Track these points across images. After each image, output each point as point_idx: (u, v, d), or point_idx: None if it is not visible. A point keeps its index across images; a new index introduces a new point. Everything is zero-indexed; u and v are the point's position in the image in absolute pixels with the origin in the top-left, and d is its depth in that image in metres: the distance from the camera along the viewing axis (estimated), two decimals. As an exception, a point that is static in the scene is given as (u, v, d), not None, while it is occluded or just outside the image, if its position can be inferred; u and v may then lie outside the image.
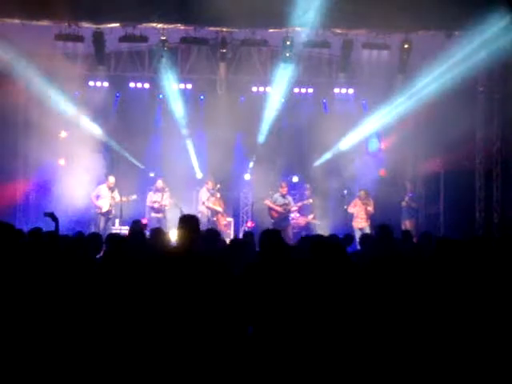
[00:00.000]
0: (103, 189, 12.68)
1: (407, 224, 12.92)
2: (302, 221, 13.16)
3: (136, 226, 7.11)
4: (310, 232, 12.44)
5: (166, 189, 12.86)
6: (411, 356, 3.60)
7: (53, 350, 3.82)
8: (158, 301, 3.97)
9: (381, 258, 4.33)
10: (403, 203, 13.24)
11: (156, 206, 12.77)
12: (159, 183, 12.83)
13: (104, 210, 12.56)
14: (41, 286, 3.95)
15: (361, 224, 12.73)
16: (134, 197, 12.77)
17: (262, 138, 13.95)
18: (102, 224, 12.54)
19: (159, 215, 12.81)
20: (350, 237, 7.93)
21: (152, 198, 12.89)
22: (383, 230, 5.70)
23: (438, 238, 4.89)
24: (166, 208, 12.81)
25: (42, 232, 6.29)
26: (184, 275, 4.03)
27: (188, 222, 4.31)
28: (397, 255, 4.87)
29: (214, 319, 3.96)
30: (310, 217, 13.22)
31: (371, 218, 12.71)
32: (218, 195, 13.02)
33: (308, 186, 13.30)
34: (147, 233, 10.84)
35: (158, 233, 6.00)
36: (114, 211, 12.69)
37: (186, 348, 3.87)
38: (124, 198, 12.61)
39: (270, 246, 4.53)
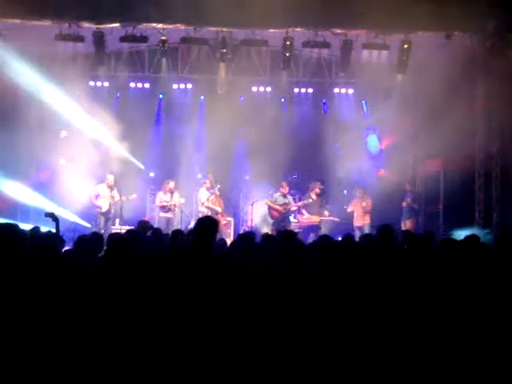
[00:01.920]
0: (102, 188, 12.68)
1: (407, 224, 12.94)
2: (315, 219, 12.93)
3: (143, 226, 7.12)
4: (316, 231, 12.40)
5: (175, 189, 12.91)
6: (414, 358, 3.61)
7: (52, 350, 3.83)
8: (160, 301, 3.98)
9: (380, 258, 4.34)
10: (404, 203, 13.26)
11: (165, 204, 12.79)
12: (171, 184, 12.82)
13: (104, 209, 12.56)
14: (42, 287, 3.96)
15: (358, 222, 12.82)
16: (134, 196, 12.79)
17: (261, 138, 13.94)
18: (101, 224, 12.54)
19: (169, 215, 12.84)
20: (350, 236, 7.93)
21: (162, 198, 12.90)
22: (384, 230, 5.69)
23: (442, 239, 4.89)
24: (176, 208, 12.84)
25: (41, 232, 6.31)
26: (192, 276, 4.03)
27: (205, 225, 4.32)
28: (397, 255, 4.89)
29: (214, 320, 3.96)
30: (326, 213, 12.91)
31: (371, 217, 12.74)
32: (218, 192, 13.02)
33: (318, 183, 12.97)
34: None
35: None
36: (113, 211, 12.70)
37: (187, 349, 3.87)
38: (124, 198, 12.63)
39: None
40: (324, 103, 14.73)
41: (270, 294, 4.13)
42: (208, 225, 4.33)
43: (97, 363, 3.82)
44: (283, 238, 4.87)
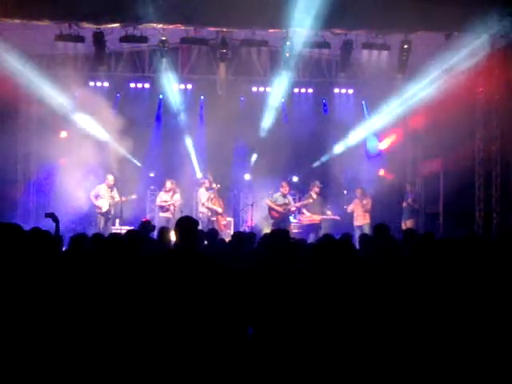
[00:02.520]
0: (102, 188, 12.69)
1: (408, 224, 12.94)
2: (316, 218, 12.86)
3: (145, 227, 7.13)
4: (317, 231, 12.40)
5: (177, 190, 12.92)
6: (412, 358, 3.61)
7: (50, 349, 3.83)
8: (157, 301, 3.99)
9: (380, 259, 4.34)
10: (404, 204, 13.25)
11: (163, 204, 12.83)
12: (168, 184, 12.86)
13: (103, 209, 12.57)
14: (42, 287, 3.96)
15: (359, 222, 12.83)
16: (134, 196, 12.79)
17: (261, 138, 13.96)
18: (101, 224, 12.54)
19: (167, 215, 12.85)
20: (347, 236, 7.86)
21: (162, 197, 12.93)
22: (380, 229, 5.71)
23: (437, 239, 4.91)
24: (175, 208, 12.84)
25: (43, 232, 6.30)
26: (183, 275, 4.05)
27: (183, 224, 4.37)
28: (395, 256, 4.89)
29: (213, 320, 3.97)
30: (329, 213, 12.90)
31: (372, 217, 12.74)
32: (216, 193, 13.04)
33: (318, 182, 12.98)
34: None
35: (164, 232, 6.03)
36: (113, 211, 12.70)
37: (185, 349, 3.88)
38: (123, 198, 12.62)
39: (275, 246, 4.55)
40: (324, 103, 14.74)
41: (257, 293, 4.14)
42: (188, 224, 4.39)
43: (92, 362, 3.83)
44: (272, 237, 4.88)
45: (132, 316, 3.98)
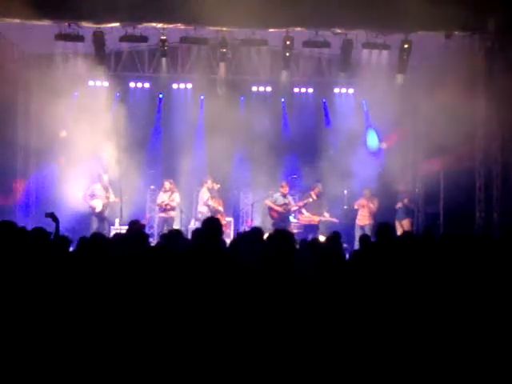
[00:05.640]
0: (98, 188, 12.57)
1: (404, 224, 12.87)
2: (315, 218, 12.85)
3: (134, 227, 7.10)
4: (314, 232, 12.38)
5: (175, 190, 12.86)
6: (412, 357, 3.60)
7: (51, 348, 3.83)
8: (158, 299, 3.98)
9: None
10: (399, 204, 13.13)
11: (162, 205, 12.77)
12: (167, 184, 12.79)
13: (97, 209, 12.38)
14: (41, 287, 3.95)
15: (362, 221, 12.81)
16: (126, 198, 12.59)
17: (261, 137, 13.94)
18: (94, 225, 12.34)
19: (163, 215, 12.80)
20: (336, 235, 7.66)
21: (161, 198, 12.87)
22: (383, 230, 5.65)
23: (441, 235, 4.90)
24: (169, 207, 12.77)
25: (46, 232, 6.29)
26: (191, 274, 4.05)
27: (210, 224, 4.47)
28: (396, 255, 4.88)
29: (213, 319, 3.96)
30: (327, 215, 12.93)
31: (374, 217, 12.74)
32: (216, 193, 13.05)
33: (319, 184, 13.01)
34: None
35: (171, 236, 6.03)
36: (107, 212, 12.59)
37: (184, 348, 3.87)
38: (117, 199, 12.43)
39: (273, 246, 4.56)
40: (324, 103, 14.73)
41: (258, 294, 4.15)
42: (214, 225, 4.49)
43: (93, 358, 3.82)
44: (276, 237, 4.87)
45: (134, 314, 3.97)
